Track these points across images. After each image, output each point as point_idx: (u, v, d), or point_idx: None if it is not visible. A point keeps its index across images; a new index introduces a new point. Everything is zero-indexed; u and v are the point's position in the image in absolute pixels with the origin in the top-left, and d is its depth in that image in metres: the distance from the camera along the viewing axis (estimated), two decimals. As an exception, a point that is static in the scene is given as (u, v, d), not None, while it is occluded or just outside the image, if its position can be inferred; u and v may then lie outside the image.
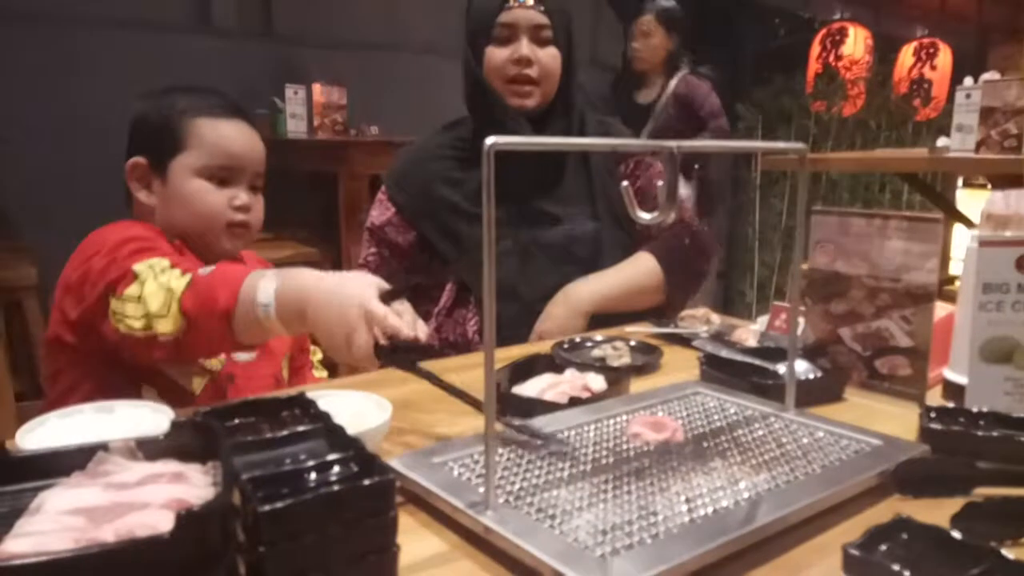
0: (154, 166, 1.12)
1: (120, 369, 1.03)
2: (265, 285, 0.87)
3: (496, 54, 1.38)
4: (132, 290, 0.92)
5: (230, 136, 1.14)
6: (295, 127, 3.17)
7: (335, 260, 2.99)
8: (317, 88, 3.20)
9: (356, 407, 0.79)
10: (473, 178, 1.43)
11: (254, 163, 1.17)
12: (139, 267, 0.94)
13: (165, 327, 0.89)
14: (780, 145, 0.82)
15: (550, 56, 1.39)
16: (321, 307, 0.84)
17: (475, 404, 0.79)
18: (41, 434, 0.70)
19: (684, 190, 1.47)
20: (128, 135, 1.15)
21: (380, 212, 1.49)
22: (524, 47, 1.37)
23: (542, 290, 1.38)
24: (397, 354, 0.83)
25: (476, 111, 1.45)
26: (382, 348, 0.82)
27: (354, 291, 0.84)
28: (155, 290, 0.91)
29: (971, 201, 3.66)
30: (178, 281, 0.91)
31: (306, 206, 3.24)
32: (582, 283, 1.38)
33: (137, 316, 0.91)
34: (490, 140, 0.57)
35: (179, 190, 1.11)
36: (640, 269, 1.43)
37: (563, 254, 1.42)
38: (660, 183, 0.67)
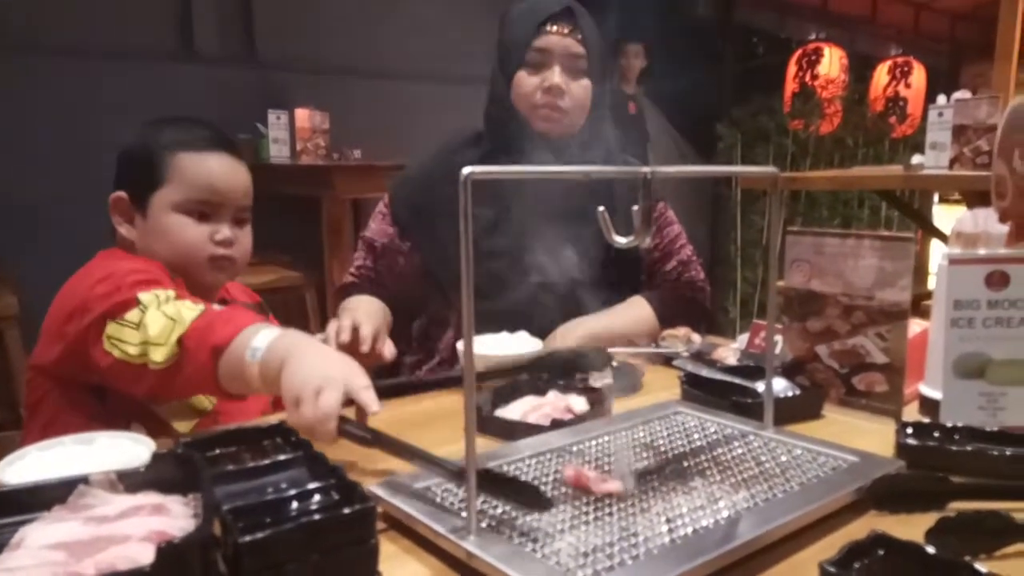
0: (135, 200, 1.10)
1: (110, 404, 1.02)
2: (265, 333, 0.86)
3: (526, 80, 1.33)
4: (132, 315, 0.92)
5: (211, 170, 1.11)
6: (278, 152, 3.18)
7: (319, 284, 2.99)
8: (300, 113, 3.21)
9: None
10: (482, 214, 1.34)
11: (237, 196, 1.14)
12: (144, 295, 0.94)
13: (158, 356, 0.89)
14: (754, 169, 0.84)
15: (582, 88, 1.34)
16: (306, 356, 0.82)
17: (433, 463, 0.74)
18: (21, 467, 0.70)
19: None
20: (116, 169, 1.14)
21: (380, 227, 1.44)
22: (556, 75, 1.31)
23: (541, 327, 1.32)
24: (354, 429, 0.79)
25: (496, 133, 1.39)
26: (346, 420, 0.78)
27: (344, 359, 0.84)
28: (157, 317, 0.91)
29: (947, 216, 3.72)
30: (190, 311, 0.91)
31: (289, 230, 3.24)
32: (575, 324, 1.34)
33: (134, 342, 0.91)
34: (467, 170, 0.58)
35: (158, 225, 1.09)
36: (636, 317, 1.40)
37: (567, 293, 1.35)
38: (635, 208, 0.68)
